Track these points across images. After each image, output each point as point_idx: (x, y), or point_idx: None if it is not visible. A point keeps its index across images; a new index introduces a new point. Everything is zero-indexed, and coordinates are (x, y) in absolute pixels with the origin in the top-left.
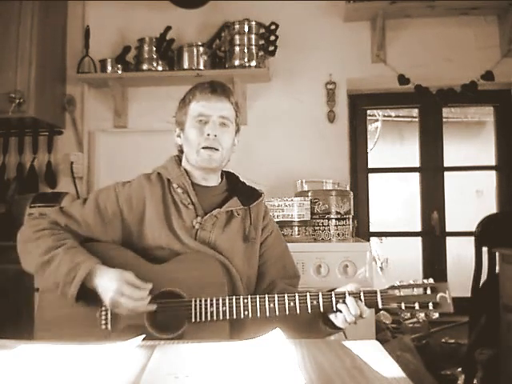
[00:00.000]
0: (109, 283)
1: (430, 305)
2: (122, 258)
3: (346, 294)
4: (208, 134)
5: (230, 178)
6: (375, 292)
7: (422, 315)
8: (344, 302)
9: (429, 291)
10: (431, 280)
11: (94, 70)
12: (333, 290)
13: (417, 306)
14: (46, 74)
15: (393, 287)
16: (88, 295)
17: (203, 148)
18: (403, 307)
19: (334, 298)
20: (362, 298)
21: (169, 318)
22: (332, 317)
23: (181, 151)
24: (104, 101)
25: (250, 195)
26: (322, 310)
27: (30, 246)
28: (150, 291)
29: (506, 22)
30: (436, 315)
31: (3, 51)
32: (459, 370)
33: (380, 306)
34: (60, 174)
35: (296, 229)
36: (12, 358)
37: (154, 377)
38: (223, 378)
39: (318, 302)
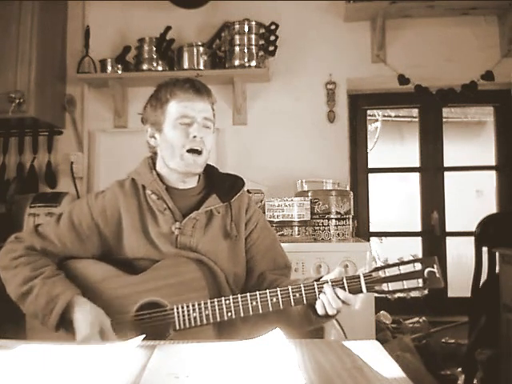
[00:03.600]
0: (82, 325)
1: (419, 282)
2: (100, 273)
3: (329, 282)
4: (194, 136)
5: (207, 171)
6: (358, 277)
7: (411, 294)
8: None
9: (415, 267)
10: (417, 256)
11: (94, 70)
12: (319, 278)
13: (405, 284)
14: (45, 73)
15: (376, 269)
16: (69, 322)
17: (188, 151)
18: (390, 288)
19: (316, 289)
20: (346, 284)
21: (153, 329)
22: (316, 306)
23: (154, 152)
24: (104, 101)
25: (230, 188)
26: (305, 302)
27: (8, 274)
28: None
29: (506, 21)
30: (425, 292)
31: (3, 51)
32: (459, 369)
33: (364, 291)
34: (60, 174)
35: (296, 229)
36: (12, 357)
37: (153, 377)
38: (223, 378)
39: (301, 294)
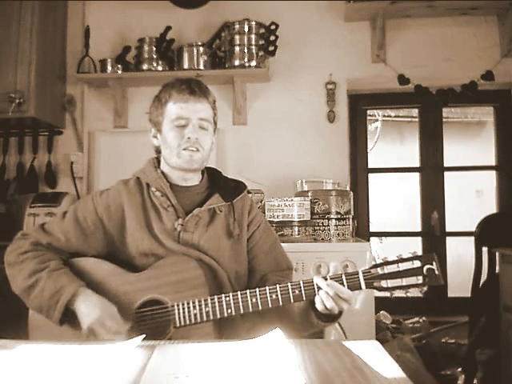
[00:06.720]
0: (92, 310)
1: (418, 279)
2: (103, 272)
3: (327, 278)
4: (188, 138)
5: (211, 173)
6: (357, 273)
7: (410, 291)
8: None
9: (415, 264)
10: (417, 253)
11: (94, 70)
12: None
13: (404, 281)
14: (45, 73)
15: (375, 265)
16: (74, 316)
17: (184, 149)
18: (389, 285)
19: (315, 286)
20: (344, 280)
21: (154, 326)
22: (316, 304)
23: (158, 152)
24: (104, 101)
25: (232, 190)
26: (304, 298)
27: (14, 269)
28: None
29: (506, 21)
30: (425, 289)
31: (3, 51)
32: (459, 369)
33: (363, 288)
34: (60, 174)
35: (296, 229)
36: (12, 357)
37: (153, 377)
38: (223, 377)
39: (301, 291)
